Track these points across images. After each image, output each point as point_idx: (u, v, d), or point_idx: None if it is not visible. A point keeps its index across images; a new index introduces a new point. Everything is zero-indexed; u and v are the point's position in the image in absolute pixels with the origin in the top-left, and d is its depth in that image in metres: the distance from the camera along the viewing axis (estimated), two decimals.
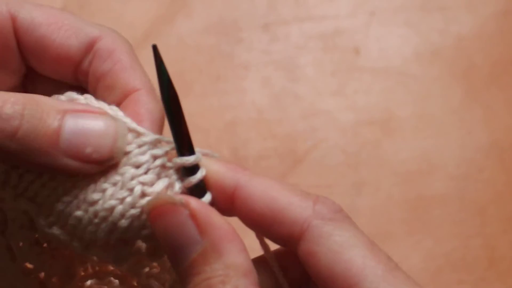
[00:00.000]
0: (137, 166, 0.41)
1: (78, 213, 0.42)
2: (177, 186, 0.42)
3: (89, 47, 0.44)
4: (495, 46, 1.00)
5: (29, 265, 0.48)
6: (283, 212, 0.39)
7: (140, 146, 0.41)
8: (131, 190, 0.41)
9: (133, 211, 0.41)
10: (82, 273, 0.50)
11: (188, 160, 0.41)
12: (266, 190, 0.40)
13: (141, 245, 0.43)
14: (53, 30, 0.44)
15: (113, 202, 0.41)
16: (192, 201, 0.39)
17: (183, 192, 0.41)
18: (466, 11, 1.02)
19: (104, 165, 0.41)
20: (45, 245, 0.47)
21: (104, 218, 0.41)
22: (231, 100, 0.97)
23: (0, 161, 0.41)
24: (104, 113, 0.41)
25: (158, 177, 0.41)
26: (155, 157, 0.41)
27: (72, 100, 0.44)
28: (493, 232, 0.90)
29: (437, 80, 0.98)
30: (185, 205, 0.39)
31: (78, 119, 0.40)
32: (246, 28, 1.01)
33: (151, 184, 0.41)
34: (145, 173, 0.41)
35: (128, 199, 0.41)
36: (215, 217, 0.38)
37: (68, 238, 0.43)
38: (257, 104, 0.97)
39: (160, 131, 0.44)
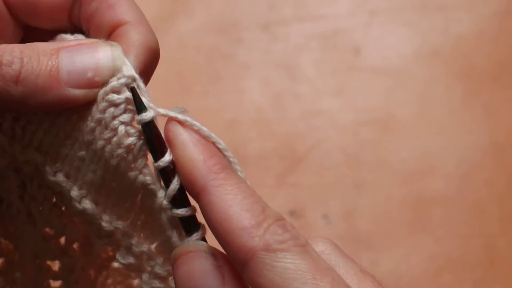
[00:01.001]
0: (115, 105, 0.41)
1: (81, 153, 0.43)
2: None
3: None
4: (495, 46, 1.00)
5: (49, 231, 0.49)
6: (232, 236, 0.37)
7: (118, 78, 0.42)
8: (115, 130, 0.41)
9: (120, 151, 0.42)
10: (111, 253, 0.51)
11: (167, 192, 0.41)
12: (225, 205, 0.38)
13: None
14: None
15: (101, 142, 0.42)
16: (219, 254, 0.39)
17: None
18: (466, 11, 1.02)
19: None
20: (63, 208, 0.48)
21: (99, 158, 0.42)
22: (231, 100, 0.97)
23: (9, 109, 0.43)
24: (95, 41, 0.42)
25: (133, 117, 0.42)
26: (128, 101, 0.42)
27: (63, 40, 0.45)
28: (493, 232, 0.90)
29: (437, 80, 0.98)
30: (212, 254, 0.39)
31: (73, 51, 0.41)
32: (246, 28, 1.01)
33: (131, 123, 0.41)
34: (124, 112, 0.42)
35: (115, 139, 0.42)
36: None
37: (69, 186, 0.44)
38: (257, 104, 0.97)
39: (148, 63, 0.43)
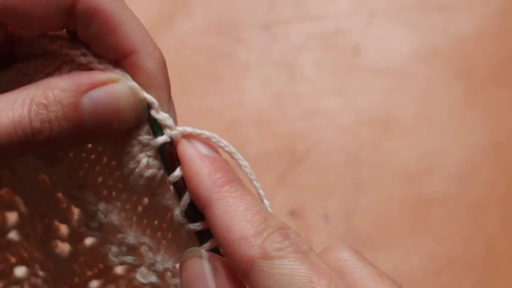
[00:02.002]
0: (144, 145, 0.43)
1: (119, 185, 0.46)
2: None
3: (71, 9, 0.41)
4: (495, 46, 1.00)
5: (62, 196, 0.49)
6: (232, 246, 0.38)
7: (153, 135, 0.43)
8: (138, 162, 0.43)
9: (141, 181, 0.43)
10: (89, 273, 0.51)
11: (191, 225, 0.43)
12: (227, 216, 0.39)
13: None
14: (27, 6, 0.40)
15: (126, 170, 0.44)
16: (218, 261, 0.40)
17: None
18: (466, 11, 1.02)
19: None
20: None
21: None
22: (231, 100, 0.97)
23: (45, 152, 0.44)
24: (114, 80, 0.41)
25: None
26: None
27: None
28: (493, 232, 0.90)
29: (437, 80, 0.98)
30: (210, 260, 0.40)
31: (95, 100, 0.41)
32: (246, 28, 1.01)
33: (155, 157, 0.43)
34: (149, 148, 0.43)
35: (137, 170, 0.43)
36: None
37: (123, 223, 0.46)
38: (257, 104, 0.97)
39: (166, 93, 0.43)
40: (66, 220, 0.50)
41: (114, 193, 0.46)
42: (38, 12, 0.41)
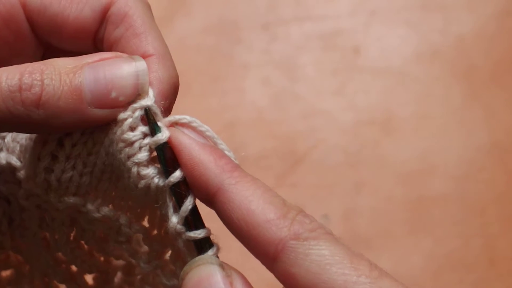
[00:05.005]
0: (130, 144, 0.41)
1: (120, 184, 0.43)
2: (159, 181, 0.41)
3: (103, 14, 0.44)
4: (495, 46, 1.00)
5: (61, 256, 0.49)
6: (258, 229, 0.37)
7: (134, 111, 0.41)
8: (129, 171, 0.41)
9: (138, 192, 0.42)
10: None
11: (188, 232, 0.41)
12: (246, 200, 0.38)
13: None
14: (65, 5, 0.43)
15: (126, 179, 0.42)
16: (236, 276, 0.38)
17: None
18: (466, 11, 1.02)
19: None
20: (82, 242, 0.48)
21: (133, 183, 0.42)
22: (230, 100, 0.97)
23: (32, 131, 0.42)
24: (119, 55, 0.42)
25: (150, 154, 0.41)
26: (145, 135, 0.41)
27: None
28: (494, 232, 0.90)
29: (437, 80, 0.98)
30: (220, 265, 0.38)
31: (96, 68, 0.40)
32: (246, 28, 1.01)
33: (146, 164, 0.41)
34: (138, 151, 0.41)
35: (131, 179, 0.41)
36: None
37: (116, 214, 0.44)
38: (257, 104, 0.97)
39: (169, 99, 0.42)
40: (65, 280, 0.50)
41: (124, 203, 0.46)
42: (73, 14, 0.43)
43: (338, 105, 0.97)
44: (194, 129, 0.41)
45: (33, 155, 0.43)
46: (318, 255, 0.36)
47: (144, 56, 0.42)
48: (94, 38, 0.45)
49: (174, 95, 0.43)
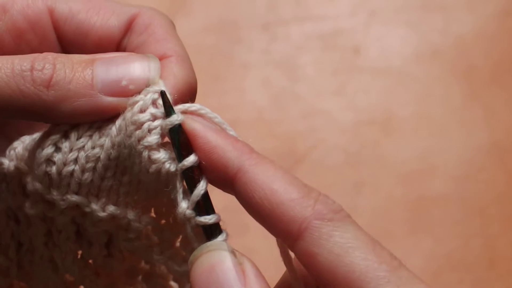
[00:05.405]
0: (140, 126, 0.40)
1: (125, 178, 0.43)
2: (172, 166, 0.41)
3: (129, 25, 0.45)
4: (495, 46, 1.00)
5: (69, 277, 0.49)
6: (282, 208, 0.37)
7: (146, 94, 0.41)
8: (140, 155, 0.41)
9: (150, 177, 0.41)
10: None
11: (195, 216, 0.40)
12: (268, 180, 0.38)
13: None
14: (92, 14, 0.44)
15: (137, 167, 0.42)
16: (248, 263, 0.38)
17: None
18: (466, 11, 1.02)
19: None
20: (90, 261, 0.48)
21: (140, 179, 0.43)
22: (231, 100, 0.97)
23: (42, 116, 0.41)
24: (132, 54, 0.42)
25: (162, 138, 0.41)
26: (155, 118, 0.41)
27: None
28: (494, 232, 0.90)
29: (437, 80, 0.98)
30: (232, 252, 0.38)
31: (109, 61, 0.41)
32: (246, 28, 1.01)
33: (157, 148, 0.41)
34: (148, 133, 0.40)
35: (142, 164, 0.41)
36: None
37: (123, 211, 0.44)
38: (257, 104, 0.97)
39: (186, 97, 0.43)
40: None
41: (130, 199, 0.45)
42: (99, 22, 0.44)
43: (338, 105, 0.97)
44: (203, 116, 0.42)
45: (37, 145, 0.43)
46: (342, 237, 0.36)
47: (163, 57, 0.43)
48: (117, 48, 0.45)
49: (189, 95, 0.43)
